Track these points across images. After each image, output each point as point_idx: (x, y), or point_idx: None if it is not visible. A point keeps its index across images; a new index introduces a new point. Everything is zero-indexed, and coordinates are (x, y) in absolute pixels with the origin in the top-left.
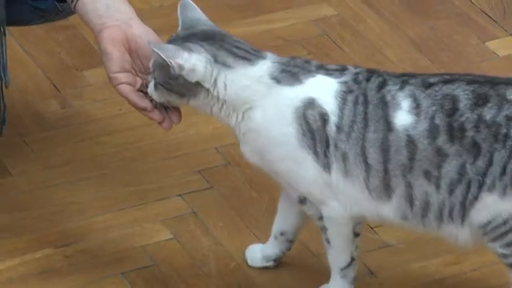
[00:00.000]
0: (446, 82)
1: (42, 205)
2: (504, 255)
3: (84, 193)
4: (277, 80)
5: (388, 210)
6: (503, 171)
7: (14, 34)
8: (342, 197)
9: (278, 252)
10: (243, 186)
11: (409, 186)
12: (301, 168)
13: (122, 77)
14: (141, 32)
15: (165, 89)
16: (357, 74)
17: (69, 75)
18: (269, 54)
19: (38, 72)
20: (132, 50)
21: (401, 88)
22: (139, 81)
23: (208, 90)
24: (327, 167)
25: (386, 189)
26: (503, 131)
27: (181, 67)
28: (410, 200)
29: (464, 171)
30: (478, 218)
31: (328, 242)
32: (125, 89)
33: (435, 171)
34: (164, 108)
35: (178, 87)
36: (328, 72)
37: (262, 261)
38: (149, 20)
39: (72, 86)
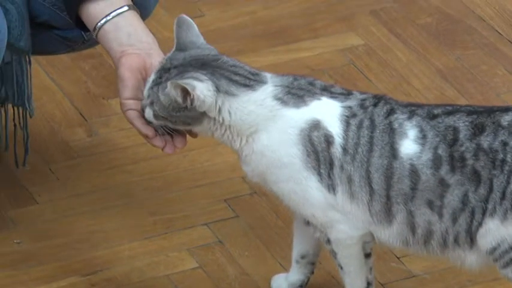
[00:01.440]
0: (448, 114)
1: (67, 233)
2: None
3: (110, 221)
4: (282, 101)
5: (389, 235)
6: (503, 196)
7: (41, 63)
8: (349, 216)
9: (302, 277)
10: (269, 216)
11: (410, 214)
12: (304, 190)
13: (132, 104)
14: None
15: (167, 120)
16: (363, 100)
17: (96, 103)
18: (269, 76)
19: (64, 100)
20: None
21: (409, 118)
22: None
23: (213, 118)
24: (331, 188)
25: (388, 215)
26: (500, 156)
27: (198, 99)
28: (412, 227)
29: (467, 200)
30: (484, 243)
31: (341, 268)
32: (132, 115)
33: (438, 201)
34: (169, 132)
35: (184, 118)
36: (332, 95)
37: None
38: None
39: (98, 115)
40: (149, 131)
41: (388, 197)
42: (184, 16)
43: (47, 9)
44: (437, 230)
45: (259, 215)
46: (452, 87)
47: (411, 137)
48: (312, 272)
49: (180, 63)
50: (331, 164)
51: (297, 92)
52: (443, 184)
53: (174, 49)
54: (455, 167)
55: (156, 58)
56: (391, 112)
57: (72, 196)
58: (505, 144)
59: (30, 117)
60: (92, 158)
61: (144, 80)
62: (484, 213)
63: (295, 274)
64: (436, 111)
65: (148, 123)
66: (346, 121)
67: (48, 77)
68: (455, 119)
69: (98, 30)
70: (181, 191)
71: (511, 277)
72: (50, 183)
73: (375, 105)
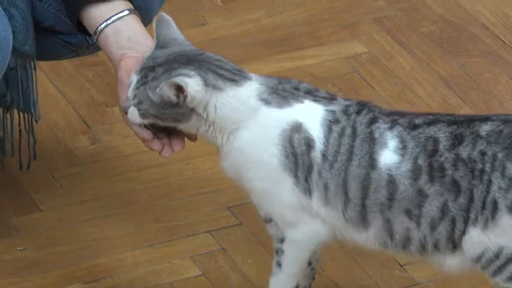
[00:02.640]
0: (429, 124)
1: (71, 241)
2: None
3: (113, 229)
4: (266, 101)
5: (366, 238)
6: (483, 205)
7: (45, 70)
8: (320, 221)
9: (304, 283)
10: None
11: (387, 221)
12: (278, 190)
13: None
14: None
15: (156, 118)
16: (347, 106)
17: (99, 111)
18: (253, 75)
19: (68, 108)
20: None
21: (391, 128)
22: None
23: (199, 113)
24: (307, 191)
25: (363, 221)
26: (479, 166)
27: (190, 95)
28: (389, 232)
29: (447, 209)
30: (469, 251)
31: (279, 265)
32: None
33: (416, 210)
34: (167, 133)
35: (175, 114)
36: (316, 98)
37: None
38: None
39: (102, 122)
40: (147, 135)
41: (363, 206)
42: (163, 14)
43: (52, 14)
44: (415, 237)
45: (262, 222)
46: (456, 95)
47: (391, 147)
48: (313, 278)
49: (164, 61)
50: (309, 168)
51: (281, 93)
52: (421, 194)
53: (154, 48)
54: (434, 177)
55: None
56: (373, 121)
57: (75, 203)
58: (483, 154)
59: (36, 122)
60: (96, 165)
61: None
62: (466, 222)
63: None
64: (417, 121)
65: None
66: (328, 126)
67: (51, 85)
68: (435, 130)
69: (99, 34)
70: (185, 199)
71: (502, 286)
72: (54, 191)
73: (358, 112)
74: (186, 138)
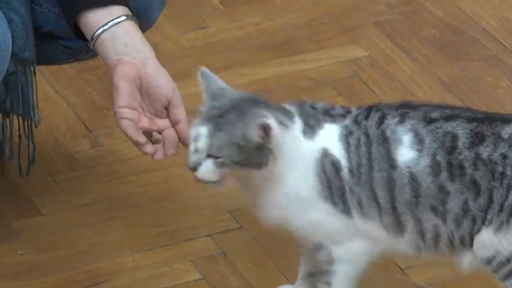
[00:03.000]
0: (447, 119)
1: (71, 245)
2: None
3: (113, 233)
4: (304, 133)
5: (403, 244)
6: (501, 208)
7: (45, 74)
8: (365, 237)
9: None
10: (273, 227)
11: (418, 221)
12: (322, 218)
13: (126, 112)
14: (155, 72)
15: (238, 165)
16: (357, 115)
17: (100, 115)
18: (292, 108)
19: (68, 112)
20: (143, 89)
21: (401, 122)
22: (144, 120)
23: (275, 154)
24: (347, 212)
25: (399, 226)
26: (500, 169)
27: (274, 135)
28: (421, 233)
29: (467, 208)
30: (478, 252)
31: (329, 285)
32: (125, 124)
33: (440, 207)
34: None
35: (258, 157)
36: (333, 119)
37: None
38: (180, 60)
39: (102, 126)
40: (140, 138)
41: (394, 209)
42: (203, 68)
43: (51, 19)
44: (443, 233)
45: (263, 226)
46: (457, 98)
47: (406, 143)
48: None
49: (232, 107)
50: (342, 189)
51: (309, 122)
52: (443, 191)
53: (206, 101)
54: (454, 175)
55: (151, 67)
56: (382, 120)
57: (76, 207)
58: (504, 157)
59: (36, 127)
60: (96, 169)
61: (139, 89)
62: (483, 222)
63: None
64: (433, 115)
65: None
66: (346, 141)
67: (52, 88)
68: (454, 125)
69: (96, 40)
70: (185, 202)
71: None
72: (54, 195)
73: (367, 117)
74: (180, 143)
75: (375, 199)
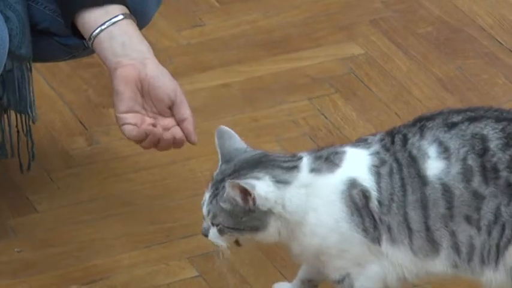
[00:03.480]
0: (471, 120)
1: (67, 242)
2: None
3: (110, 230)
4: (316, 171)
5: (438, 264)
6: None
7: (41, 71)
8: (387, 264)
9: None
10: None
11: (453, 234)
12: (352, 248)
13: (128, 117)
14: (156, 73)
15: (234, 230)
16: (382, 140)
17: (96, 112)
18: (303, 154)
19: (65, 109)
20: (144, 90)
21: (422, 135)
22: (147, 121)
23: (278, 214)
24: (376, 240)
25: (433, 245)
26: None
27: (260, 197)
28: (457, 247)
29: (499, 213)
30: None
31: None
32: (128, 129)
33: (475, 215)
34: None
35: (251, 221)
36: (354, 144)
37: None
38: (177, 58)
39: (98, 123)
40: (142, 136)
41: (427, 229)
42: (223, 127)
43: (48, 16)
44: (477, 244)
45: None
46: (453, 96)
47: (432, 155)
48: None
49: (233, 170)
50: (372, 218)
51: (322, 154)
52: (477, 196)
53: (220, 163)
54: (488, 178)
55: (151, 68)
56: (405, 140)
57: (72, 205)
58: None
59: (33, 123)
60: (92, 166)
61: (140, 90)
62: None
63: None
64: (455, 119)
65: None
66: (377, 172)
67: (48, 86)
68: (481, 126)
69: (93, 40)
70: (182, 200)
71: None
72: (50, 192)
73: (393, 142)
74: (186, 140)
75: (407, 224)
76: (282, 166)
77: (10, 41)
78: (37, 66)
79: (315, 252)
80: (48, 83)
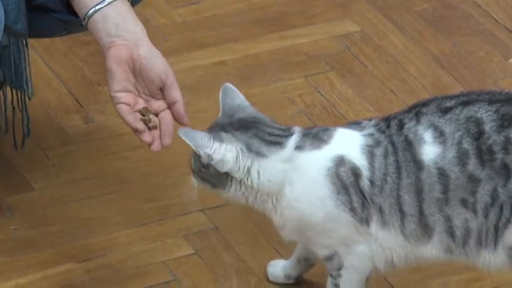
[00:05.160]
0: (465, 104)
1: (64, 220)
2: None
3: (106, 208)
4: (300, 148)
5: (431, 249)
6: None
7: (37, 49)
8: (375, 246)
9: (300, 273)
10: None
11: (448, 219)
12: (338, 226)
13: (122, 96)
14: (148, 54)
15: (199, 178)
16: (377, 124)
17: (92, 90)
18: (296, 129)
19: (60, 87)
20: (136, 71)
21: (418, 121)
22: (140, 102)
23: (240, 180)
24: (364, 220)
25: (425, 230)
26: None
27: (209, 157)
28: (451, 232)
29: (496, 195)
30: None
31: (338, 287)
32: (122, 108)
33: (471, 198)
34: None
35: (209, 176)
36: (347, 125)
37: (283, 278)
38: (172, 36)
39: (94, 101)
40: (139, 125)
41: (421, 213)
42: (229, 84)
43: None
44: (474, 227)
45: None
46: (449, 73)
47: (428, 140)
48: (312, 266)
49: (224, 123)
50: (362, 197)
51: (311, 132)
52: (473, 180)
53: (220, 115)
54: (485, 160)
55: (144, 49)
56: (401, 125)
57: (68, 183)
58: None
59: (29, 99)
60: (88, 144)
61: (132, 71)
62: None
63: (294, 269)
64: (448, 104)
65: (142, 115)
66: (370, 152)
67: (44, 64)
68: (475, 109)
69: (88, 19)
70: (178, 177)
71: None
72: (46, 170)
73: (389, 126)
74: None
75: (400, 207)
76: (264, 138)
77: (6, 16)
78: (33, 44)
79: (297, 226)
80: (45, 61)
